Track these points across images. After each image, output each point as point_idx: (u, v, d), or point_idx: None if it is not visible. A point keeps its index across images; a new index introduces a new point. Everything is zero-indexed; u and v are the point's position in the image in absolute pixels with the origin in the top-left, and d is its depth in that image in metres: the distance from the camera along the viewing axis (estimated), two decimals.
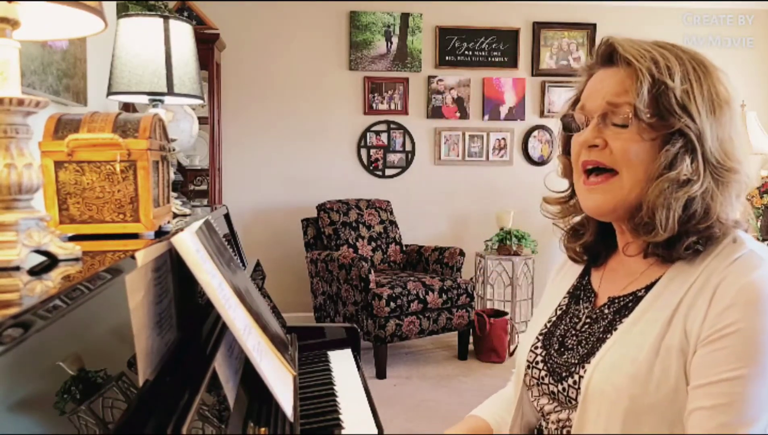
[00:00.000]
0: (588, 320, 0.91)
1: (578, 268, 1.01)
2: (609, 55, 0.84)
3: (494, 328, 3.79)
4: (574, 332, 0.92)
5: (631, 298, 0.87)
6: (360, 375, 1.48)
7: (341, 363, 1.56)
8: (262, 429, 0.95)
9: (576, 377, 0.86)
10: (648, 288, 0.85)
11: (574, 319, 0.94)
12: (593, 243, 0.96)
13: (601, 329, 0.88)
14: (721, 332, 0.73)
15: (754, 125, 3.86)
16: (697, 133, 0.79)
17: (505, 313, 3.97)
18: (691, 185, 0.79)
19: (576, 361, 0.88)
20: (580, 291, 0.97)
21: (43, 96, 1.68)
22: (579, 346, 0.89)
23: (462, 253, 3.97)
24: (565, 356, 0.90)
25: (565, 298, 0.98)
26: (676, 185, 0.79)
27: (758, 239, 4.18)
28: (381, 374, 3.54)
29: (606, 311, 0.89)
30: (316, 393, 1.33)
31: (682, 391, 0.76)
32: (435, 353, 4.01)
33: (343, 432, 1.17)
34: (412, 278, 3.74)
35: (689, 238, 0.80)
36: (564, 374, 0.88)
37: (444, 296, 3.72)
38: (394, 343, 3.80)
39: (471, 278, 4.00)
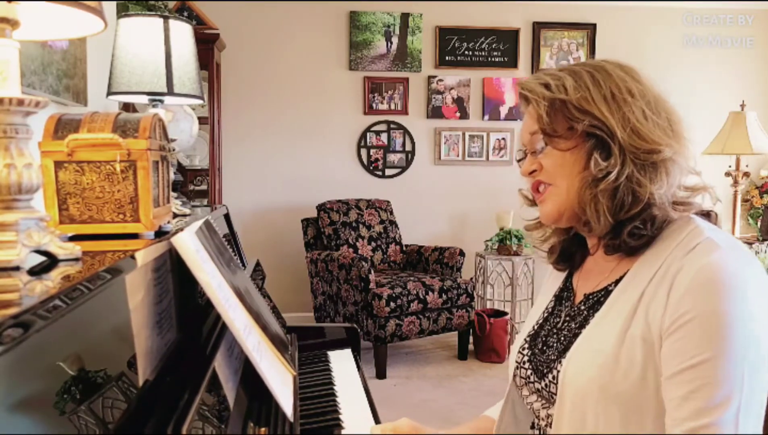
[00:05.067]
0: (567, 318, 0.97)
1: (564, 273, 1.07)
2: (524, 97, 0.95)
3: (494, 328, 3.79)
4: (555, 331, 0.97)
5: (602, 293, 0.92)
6: (360, 375, 1.48)
7: (341, 363, 1.56)
8: (262, 429, 0.95)
9: (555, 372, 0.90)
10: (617, 282, 0.89)
11: (556, 319, 0.99)
12: (565, 250, 1.03)
13: (577, 325, 0.93)
14: (680, 321, 0.77)
15: (754, 125, 3.85)
16: (604, 128, 0.86)
17: (505, 313, 3.97)
18: (609, 176, 0.85)
19: (554, 357, 0.93)
20: (564, 292, 1.03)
21: (43, 96, 1.68)
22: (558, 343, 0.95)
23: (462, 253, 3.97)
24: (546, 354, 0.95)
25: (551, 301, 1.04)
26: (594, 181, 0.86)
27: (758, 240, 4.17)
28: (381, 374, 3.54)
29: (582, 308, 0.94)
30: (316, 393, 1.33)
31: (650, 378, 0.79)
32: (435, 353, 4.01)
33: (343, 432, 1.17)
34: (412, 278, 3.74)
35: (630, 224, 0.86)
36: (545, 371, 0.93)
37: (444, 296, 3.72)
38: (394, 343, 3.80)
39: (471, 278, 4.00)
